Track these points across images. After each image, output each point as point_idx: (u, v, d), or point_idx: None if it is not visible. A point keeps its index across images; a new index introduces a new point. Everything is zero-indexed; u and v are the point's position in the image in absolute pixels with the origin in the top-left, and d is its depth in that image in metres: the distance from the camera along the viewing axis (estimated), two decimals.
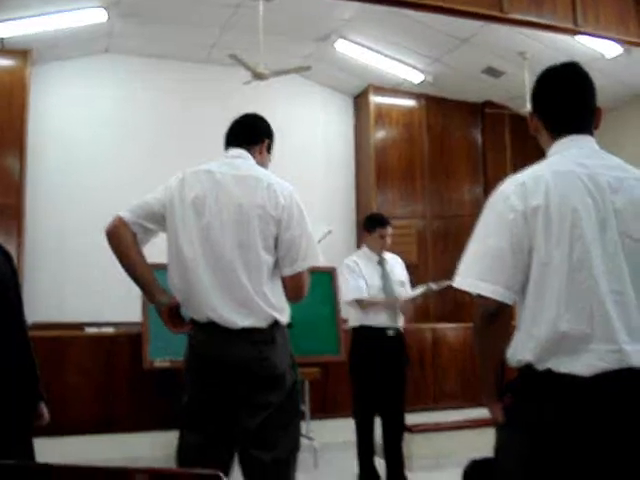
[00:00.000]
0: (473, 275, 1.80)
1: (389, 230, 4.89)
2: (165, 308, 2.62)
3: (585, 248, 1.72)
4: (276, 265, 2.61)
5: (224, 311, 2.52)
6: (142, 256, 2.64)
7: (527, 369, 1.77)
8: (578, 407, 1.68)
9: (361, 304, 4.73)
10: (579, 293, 1.71)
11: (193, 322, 2.62)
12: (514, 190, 1.79)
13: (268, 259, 2.57)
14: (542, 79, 1.97)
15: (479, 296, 1.78)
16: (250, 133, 2.82)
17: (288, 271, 2.62)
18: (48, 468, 1.86)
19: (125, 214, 2.61)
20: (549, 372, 1.72)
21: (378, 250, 4.88)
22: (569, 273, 1.71)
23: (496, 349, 1.82)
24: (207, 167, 2.67)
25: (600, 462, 1.68)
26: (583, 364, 1.69)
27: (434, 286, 4.78)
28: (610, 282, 1.72)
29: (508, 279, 1.75)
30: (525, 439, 1.74)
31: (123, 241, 2.60)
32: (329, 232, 3.38)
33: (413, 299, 4.80)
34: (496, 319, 1.77)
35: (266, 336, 2.56)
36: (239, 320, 2.52)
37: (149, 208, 2.64)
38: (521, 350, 1.77)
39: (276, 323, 2.59)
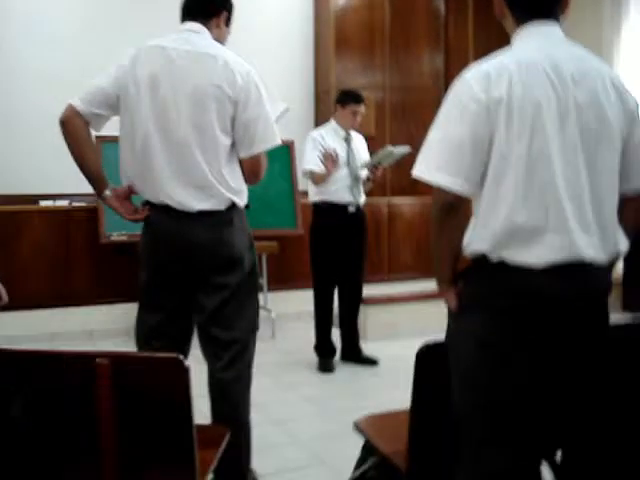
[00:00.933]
0: (432, 166, 1.78)
1: (362, 108, 4.85)
2: (111, 197, 2.58)
3: (545, 141, 1.71)
4: (233, 147, 2.57)
5: (180, 196, 2.50)
6: (93, 150, 2.60)
7: (481, 258, 1.80)
8: (530, 294, 1.73)
9: (312, 176, 4.77)
10: (536, 186, 1.72)
11: (149, 204, 2.59)
12: (477, 80, 1.75)
13: (225, 141, 2.52)
14: None
15: (438, 187, 1.78)
16: (206, 4, 2.67)
17: (246, 153, 2.58)
18: (10, 353, 1.88)
19: (77, 103, 2.51)
20: (502, 262, 1.76)
21: (347, 126, 4.86)
22: (527, 166, 1.72)
23: (453, 240, 1.83)
24: (160, 43, 2.55)
25: (550, 346, 1.75)
26: (536, 255, 1.73)
27: (392, 148, 4.74)
28: (567, 175, 1.73)
29: (467, 171, 1.74)
30: (478, 324, 1.79)
31: (76, 133, 2.52)
32: (287, 110, 3.30)
33: (372, 162, 4.78)
34: (454, 210, 1.78)
35: (224, 218, 2.56)
36: (196, 204, 2.50)
37: (102, 93, 2.53)
38: (476, 241, 1.80)
39: (234, 205, 2.58)
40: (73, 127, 2.51)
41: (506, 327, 1.75)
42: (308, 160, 4.79)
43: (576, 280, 1.74)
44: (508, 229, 1.73)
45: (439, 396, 1.89)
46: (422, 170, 1.81)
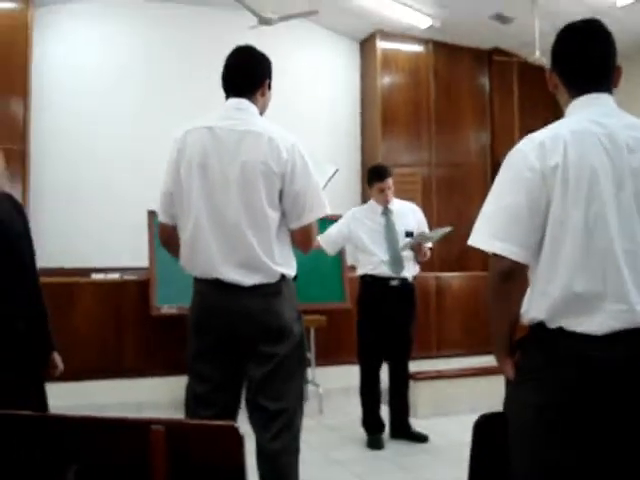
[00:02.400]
0: (488, 233, 1.79)
1: (389, 182, 4.84)
2: None
3: (601, 208, 1.72)
4: (282, 219, 2.60)
5: (231, 274, 2.53)
6: None
7: (539, 326, 1.79)
8: (590, 363, 1.70)
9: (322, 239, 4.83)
10: (594, 253, 1.71)
11: (198, 280, 2.64)
12: (532, 149, 1.77)
13: (275, 216, 2.56)
14: (562, 35, 1.93)
15: (494, 255, 1.78)
16: (249, 78, 2.68)
17: (296, 224, 2.61)
18: (65, 420, 1.90)
19: (161, 217, 2.72)
20: (561, 330, 1.74)
21: (382, 203, 4.87)
22: (584, 233, 1.72)
23: (511, 308, 1.83)
24: (207, 123, 2.60)
25: (612, 415, 1.71)
26: (595, 323, 1.71)
27: (430, 234, 4.77)
28: (624, 242, 1.72)
29: (524, 238, 1.75)
30: (537, 392, 1.76)
31: (176, 251, 2.71)
32: (336, 171, 3.29)
33: (408, 245, 4.77)
34: (511, 278, 1.78)
35: (273, 289, 2.58)
36: (247, 280, 2.54)
37: (169, 198, 2.66)
38: (534, 308, 1.79)
39: (283, 277, 2.60)
40: (173, 247, 2.73)
41: (565, 395, 1.72)
42: (329, 230, 4.91)
43: (637, 347, 1.71)
44: (567, 297, 1.72)
45: (497, 468, 1.84)
46: (478, 239, 1.82)
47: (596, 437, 1.71)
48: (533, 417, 1.76)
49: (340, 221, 4.94)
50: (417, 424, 4.96)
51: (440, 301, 7.18)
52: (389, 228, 4.82)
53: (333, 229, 4.93)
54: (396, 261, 4.76)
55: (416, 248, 4.76)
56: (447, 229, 4.76)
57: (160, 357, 5.81)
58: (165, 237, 2.76)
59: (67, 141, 7.65)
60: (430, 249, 4.91)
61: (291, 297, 2.65)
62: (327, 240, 4.89)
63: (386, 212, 4.87)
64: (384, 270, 4.75)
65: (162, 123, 7.09)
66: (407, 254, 4.78)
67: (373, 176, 4.91)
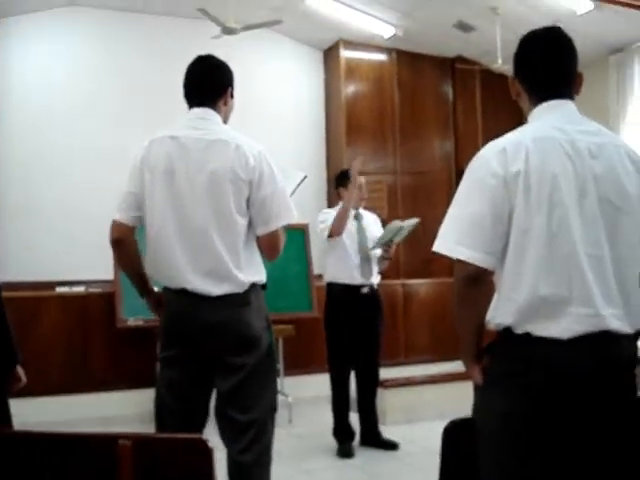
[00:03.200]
0: (452, 240, 1.80)
1: (363, 179, 4.88)
2: (151, 302, 2.76)
3: (564, 214, 1.74)
4: (250, 226, 2.60)
5: (198, 284, 2.51)
6: (141, 265, 2.68)
7: (506, 332, 1.80)
8: (556, 368, 1.72)
9: (332, 229, 4.67)
10: (558, 258, 1.73)
11: (166, 289, 2.62)
12: (495, 156, 1.79)
13: (243, 223, 2.55)
14: (524, 43, 1.96)
15: (458, 261, 1.79)
16: (212, 87, 2.69)
17: (263, 230, 2.60)
18: (31, 436, 1.86)
19: (119, 216, 2.61)
20: (527, 335, 1.75)
21: (357, 203, 4.87)
22: (548, 238, 1.73)
23: (476, 313, 1.83)
24: (172, 133, 2.60)
25: (578, 424, 1.72)
26: (561, 327, 1.72)
27: (401, 223, 4.75)
28: (588, 247, 1.74)
29: (488, 244, 1.76)
30: (504, 397, 1.77)
31: (127, 254, 2.67)
32: (305, 177, 3.28)
33: (383, 239, 4.76)
34: (476, 284, 1.79)
35: (241, 299, 2.56)
36: (215, 289, 2.52)
37: (132, 198, 2.61)
38: (501, 314, 1.80)
39: (253, 286, 2.59)
40: (124, 248, 2.65)
41: (532, 400, 1.73)
42: (321, 229, 4.76)
43: (602, 351, 1.73)
44: (532, 302, 1.74)
45: (467, 473, 1.85)
46: (442, 245, 1.83)
47: (562, 445, 1.73)
48: (499, 425, 1.77)
49: (320, 222, 4.82)
50: (386, 431, 4.97)
51: (407, 308, 7.20)
52: (361, 232, 4.82)
53: (325, 222, 4.74)
54: (366, 266, 4.76)
55: (387, 246, 4.74)
56: (415, 220, 4.74)
57: (127, 370, 5.74)
58: (120, 236, 2.62)
59: (29, 153, 7.55)
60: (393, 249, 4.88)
61: (260, 306, 2.64)
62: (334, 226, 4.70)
63: (357, 217, 4.88)
64: (355, 277, 4.74)
65: (126, 134, 7.03)
66: (373, 257, 4.78)
67: (348, 175, 4.86)
